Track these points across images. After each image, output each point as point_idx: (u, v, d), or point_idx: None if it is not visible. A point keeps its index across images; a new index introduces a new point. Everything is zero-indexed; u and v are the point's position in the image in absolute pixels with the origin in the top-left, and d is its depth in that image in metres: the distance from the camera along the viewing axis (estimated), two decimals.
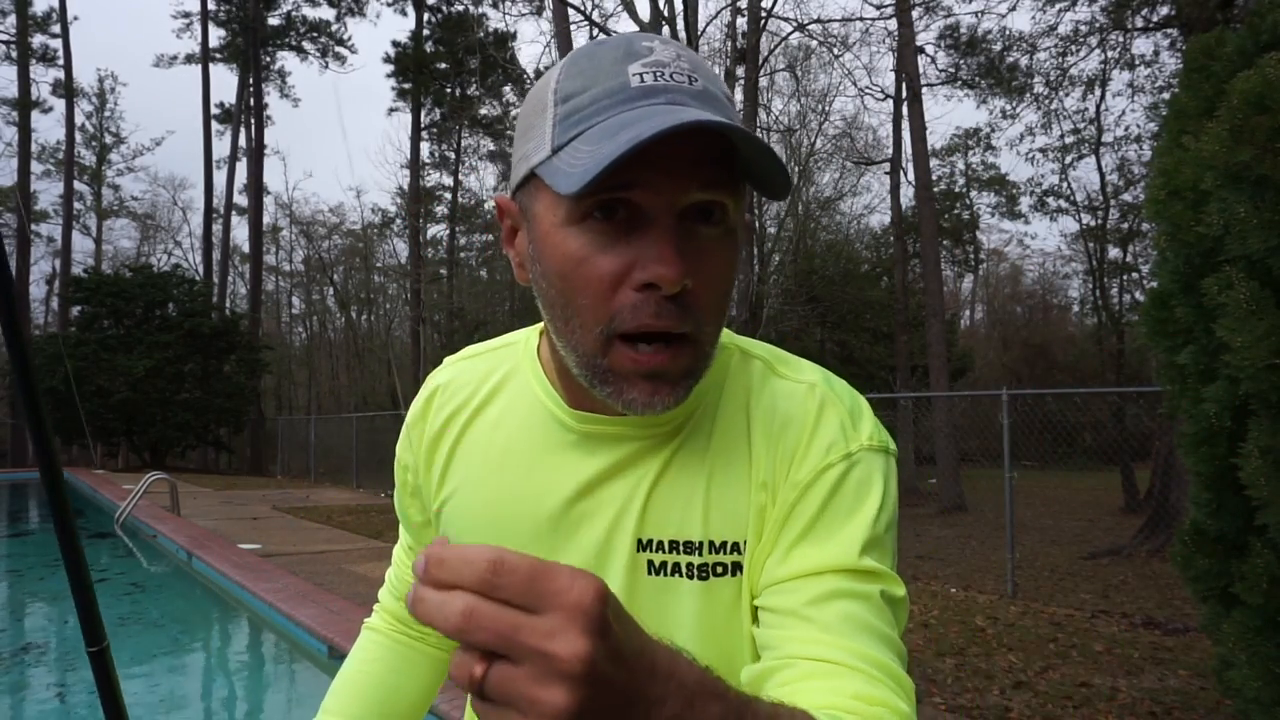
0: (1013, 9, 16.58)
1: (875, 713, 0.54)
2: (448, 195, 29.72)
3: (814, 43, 15.79)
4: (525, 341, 0.78)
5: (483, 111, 26.87)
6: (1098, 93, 18.59)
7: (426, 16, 26.89)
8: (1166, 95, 14.29)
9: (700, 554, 0.68)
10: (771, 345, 0.77)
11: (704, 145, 0.57)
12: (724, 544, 0.68)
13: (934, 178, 18.49)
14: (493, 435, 0.75)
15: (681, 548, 0.68)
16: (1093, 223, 21.37)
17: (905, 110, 15.19)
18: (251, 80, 28.83)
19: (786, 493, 0.66)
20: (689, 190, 0.58)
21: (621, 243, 0.58)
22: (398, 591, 0.93)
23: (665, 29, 11.22)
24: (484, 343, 0.83)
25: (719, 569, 0.67)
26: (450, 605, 0.34)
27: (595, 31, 11.75)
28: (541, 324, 0.75)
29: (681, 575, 0.68)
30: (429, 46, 26.92)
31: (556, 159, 0.59)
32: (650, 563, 0.69)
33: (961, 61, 16.89)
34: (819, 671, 0.57)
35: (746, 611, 0.68)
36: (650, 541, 0.69)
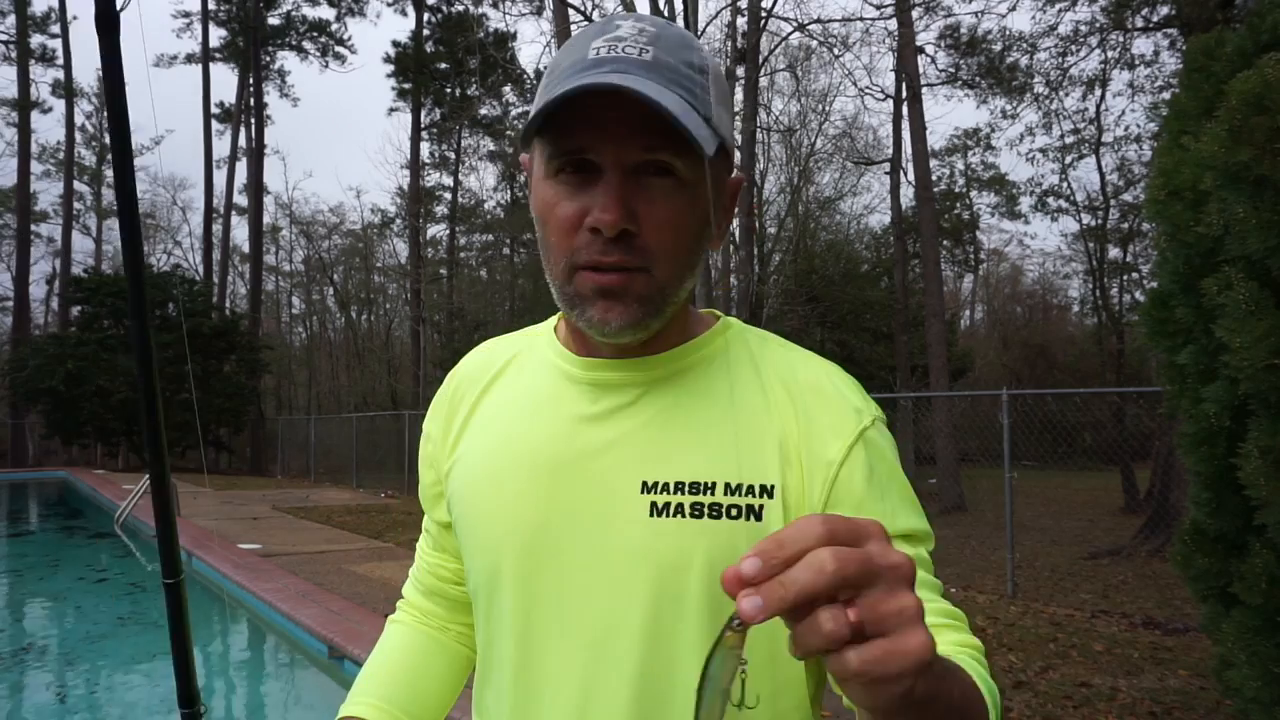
0: (1013, 9, 16.58)
1: (971, 653, 0.64)
2: (448, 195, 29.72)
3: (814, 43, 15.79)
4: (546, 325, 0.85)
5: (483, 111, 26.87)
6: (1098, 93, 18.59)
7: (426, 16, 26.89)
8: (1166, 95, 14.29)
9: (712, 494, 0.69)
10: (775, 335, 0.83)
11: (646, 113, 0.63)
12: (740, 486, 0.69)
13: (934, 178, 18.48)
14: (503, 397, 0.82)
15: (688, 488, 0.69)
16: (1093, 223, 21.37)
17: (905, 110, 15.19)
18: (251, 80, 28.82)
19: (819, 469, 0.69)
20: (633, 151, 0.66)
21: (582, 193, 0.68)
22: (419, 580, 0.95)
23: None
24: (513, 332, 0.90)
25: (733, 510, 0.68)
26: (816, 562, 0.40)
27: None
28: (561, 313, 0.82)
29: (687, 515, 0.69)
30: (429, 46, 26.92)
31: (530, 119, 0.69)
32: (654, 504, 0.70)
33: (961, 61, 16.88)
34: None
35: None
36: (656, 484, 0.70)
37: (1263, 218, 2.07)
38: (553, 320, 0.85)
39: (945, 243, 24.56)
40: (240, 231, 34.20)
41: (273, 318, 36.41)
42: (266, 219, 31.90)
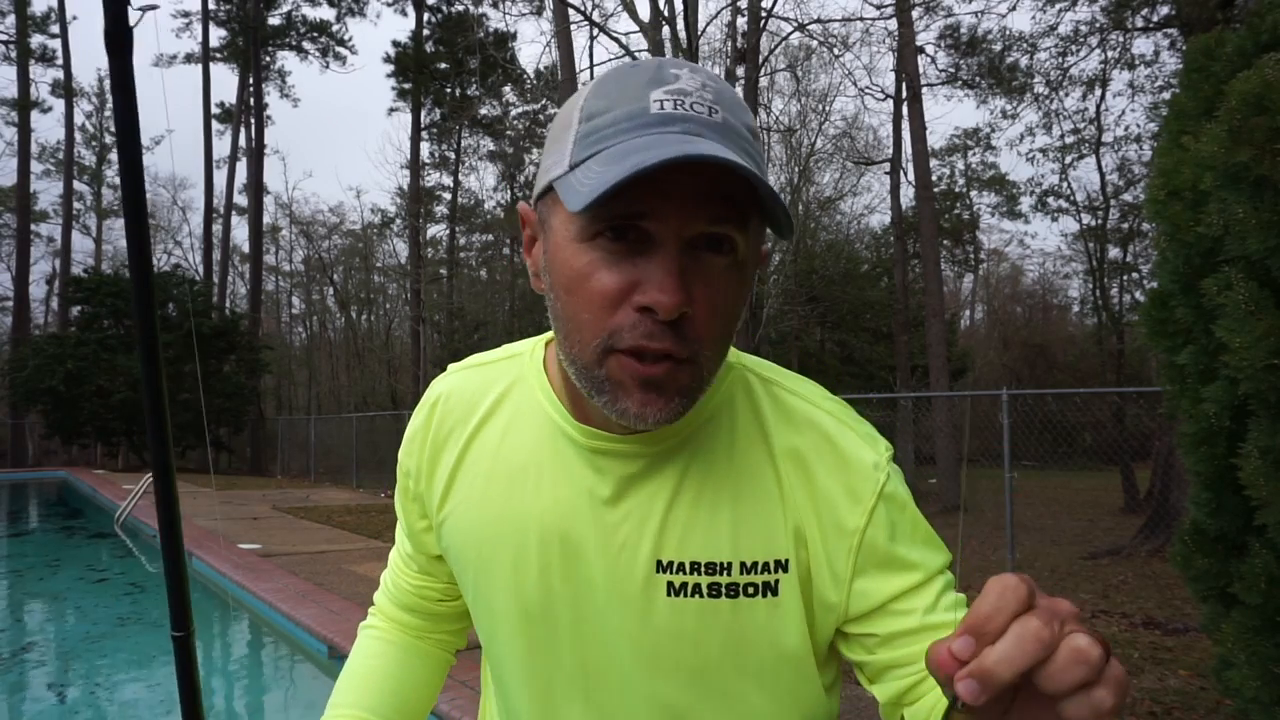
0: (1013, 9, 16.54)
1: None
2: (448, 195, 29.71)
3: (814, 43, 15.78)
4: (530, 353, 0.78)
5: (483, 111, 26.84)
6: (1098, 93, 18.60)
7: (426, 16, 26.88)
8: (1166, 95, 14.30)
9: (729, 574, 0.68)
10: (769, 361, 0.78)
11: (716, 179, 0.57)
12: (755, 564, 0.68)
13: (934, 178, 18.49)
14: (498, 449, 0.75)
15: (704, 569, 0.68)
16: (1093, 223, 21.36)
17: (905, 110, 15.19)
18: (251, 80, 28.82)
19: (843, 538, 0.69)
20: (697, 222, 0.59)
21: (627, 263, 0.59)
22: (395, 596, 0.93)
23: (665, 29, 11.22)
24: (488, 352, 0.83)
25: (750, 589, 0.68)
26: (1029, 633, 0.40)
27: (595, 32, 11.76)
28: (546, 335, 0.76)
29: (704, 596, 0.68)
30: (429, 46, 26.91)
31: (572, 175, 0.59)
32: (670, 584, 0.69)
33: (961, 61, 16.88)
34: None
35: (786, 632, 0.69)
36: (670, 563, 0.68)
37: (1263, 218, 2.07)
38: (539, 350, 0.77)
39: (945, 243, 24.56)
40: (240, 231, 34.21)
41: (273, 318, 36.42)
42: (266, 219, 31.91)
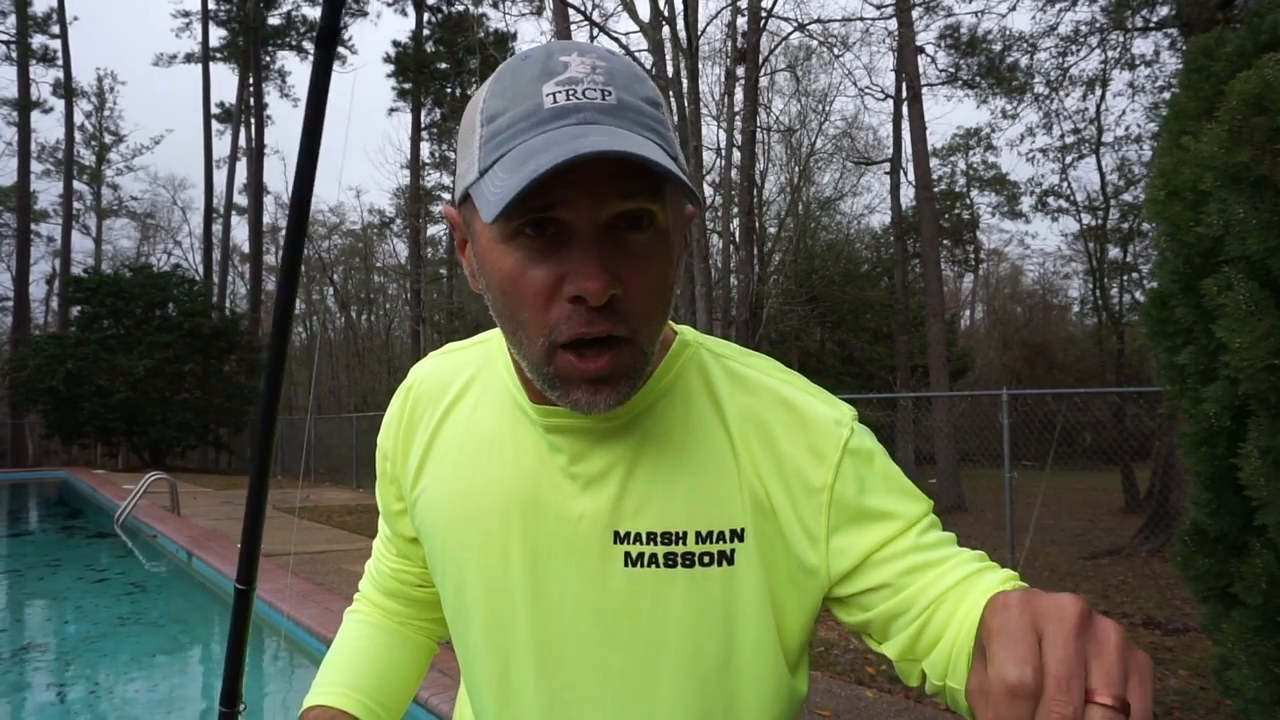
0: (1013, 9, 16.53)
1: (1017, 584, 0.65)
2: (447, 195, 29.71)
3: (814, 43, 15.79)
4: (498, 336, 0.79)
5: None
6: (1098, 93, 18.59)
7: (426, 16, 26.87)
8: (1166, 95, 14.29)
9: (685, 544, 0.69)
10: (727, 341, 0.80)
11: (618, 159, 0.57)
12: (711, 534, 0.69)
13: (934, 178, 18.48)
14: (466, 427, 0.77)
15: (660, 539, 0.69)
16: (1093, 223, 21.35)
17: (905, 110, 15.19)
18: (251, 80, 28.82)
19: (810, 497, 0.68)
20: (609, 202, 0.59)
21: (553, 257, 0.60)
22: (378, 583, 0.95)
23: (665, 29, 11.22)
24: (463, 340, 0.85)
25: (705, 559, 0.69)
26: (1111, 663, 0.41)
27: (595, 32, 11.75)
28: None
29: (661, 566, 0.69)
30: (429, 46, 26.90)
31: (483, 182, 0.60)
32: (628, 554, 0.69)
33: (961, 61, 16.87)
34: (967, 589, 0.64)
35: (743, 602, 0.69)
36: (628, 534, 0.69)
37: (1263, 218, 2.07)
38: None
39: (945, 243, 24.55)
40: (240, 231, 34.23)
41: (273, 317, 36.44)
42: (266, 219, 31.86)
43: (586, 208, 0.59)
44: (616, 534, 0.70)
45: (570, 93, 0.60)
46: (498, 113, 0.61)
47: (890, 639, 0.68)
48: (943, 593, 0.65)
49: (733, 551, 0.69)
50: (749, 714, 0.72)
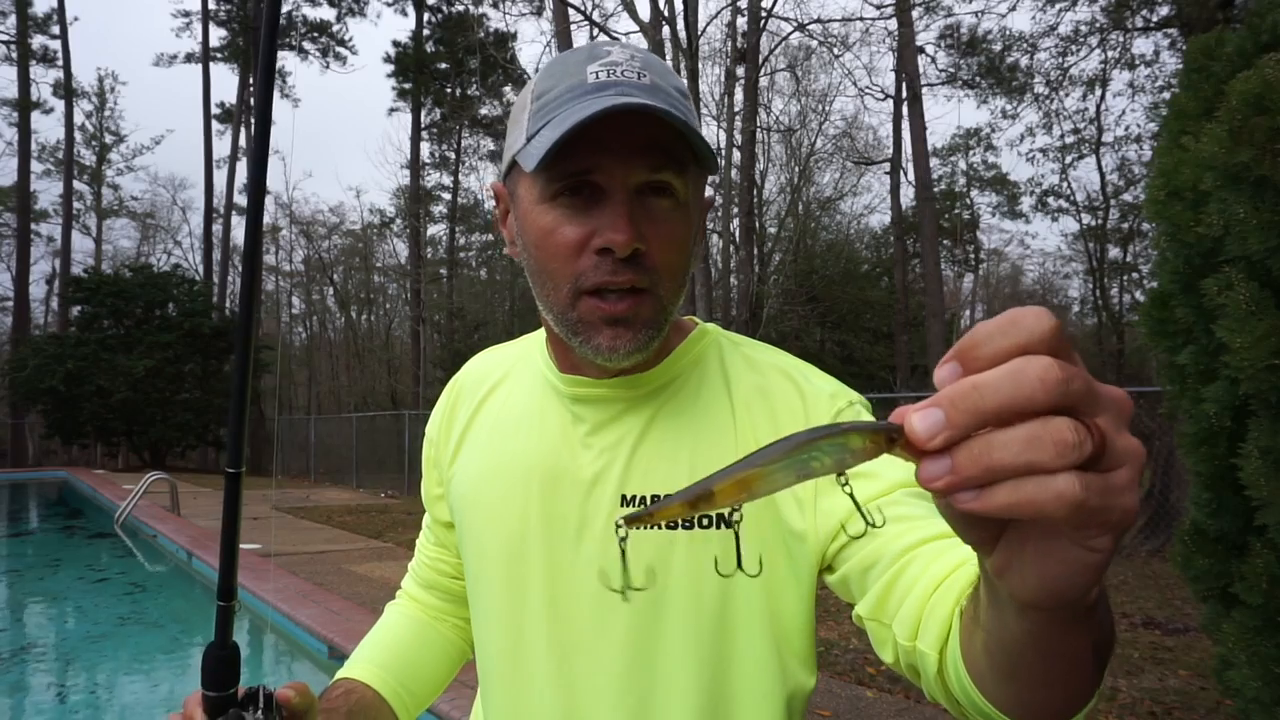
0: (1013, 9, 16.57)
1: None
2: (447, 195, 29.71)
3: (814, 43, 15.78)
4: (540, 334, 0.87)
5: (483, 111, 26.84)
6: (1098, 93, 18.59)
7: (426, 16, 26.87)
8: (1166, 95, 14.28)
9: None
10: (749, 338, 0.86)
11: (651, 133, 0.66)
12: None
13: (934, 178, 18.48)
14: (501, 409, 0.85)
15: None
16: (1093, 223, 21.34)
17: (905, 110, 15.20)
18: (251, 80, 28.81)
19: None
20: (639, 171, 0.67)
21: (584, 215, 0.68)
22: (418, 574, 1.00)
23: (665, 29, 11.22)
24: (508, 341, 0.94)
25: (704, 520, 0.72)
26: (1034, 370, 0.29)
27: (595, 31, 11.75)
28: None
29: (662, 527, 0.72)
30: (429, 46, 26.90)
31: (529, 145, 0.69)
32: None
33: (961, 61, 16.89)
34: (943, 549, 0.63)
35: (741, 560, 0.72)
36: (634, 497, 0.74)
37: (1263, 218, 2.07)
38: (545, 331, 0.86)
39: (945, 243, 24.53)
40: (240, 231, 34.15)
41: (273, 318, 36.40)
42: (266, 219, 31.66)
43: (619, 174, 0.67)
44: (624, 497, 0.74)
45: (611, 71, 0.68)
46: (546, 90, 0.70)
47: (866, 594, 0.67)
48: (915, 544, 0.64)
49: (730, 514, 0.70)
50: (746, 680, 0.74)
